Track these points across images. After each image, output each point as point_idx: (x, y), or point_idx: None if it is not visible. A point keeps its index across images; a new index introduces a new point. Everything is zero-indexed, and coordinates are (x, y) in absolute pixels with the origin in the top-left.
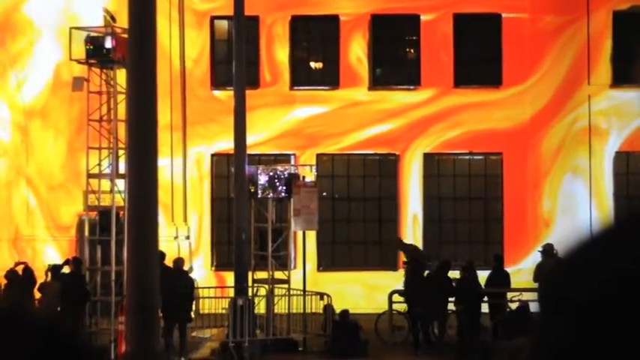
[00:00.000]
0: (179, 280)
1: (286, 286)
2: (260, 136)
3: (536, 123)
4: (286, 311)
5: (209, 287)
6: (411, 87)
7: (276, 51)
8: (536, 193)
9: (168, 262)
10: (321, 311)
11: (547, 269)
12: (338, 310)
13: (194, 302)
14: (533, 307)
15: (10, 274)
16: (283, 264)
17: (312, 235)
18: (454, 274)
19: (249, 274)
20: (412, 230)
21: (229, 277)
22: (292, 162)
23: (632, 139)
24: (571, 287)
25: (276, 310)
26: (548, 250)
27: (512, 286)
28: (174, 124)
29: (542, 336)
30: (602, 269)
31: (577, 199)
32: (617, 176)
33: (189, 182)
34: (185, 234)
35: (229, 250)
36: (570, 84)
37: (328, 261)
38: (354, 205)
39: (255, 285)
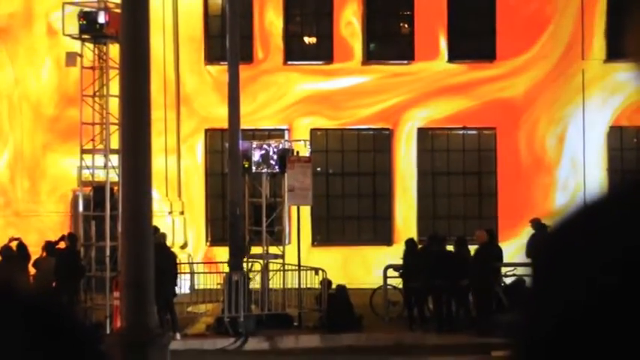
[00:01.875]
0: (161, 255)
1: (281, 261)
2: (254, 111)
3: (529, 98)
4: (281, 286)
5: (204, 262)
6: (405, 61)
7: (270, 25)
8: (530, 168)
9: None
10: (316, 286)
11: (537, 243)
12: (333, 286)
13: (188, 277)
14: (529, 281)
15: (4, 250)
16: (278, 239)
17: (306, 210)
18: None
19: (244, 248)
20: (406, 205)
21: (224, 253)
22: (286, 137)
23: (626, 114)
24: (563, 261)
25: (270, 285)
26: (537, 224)
27: (507, 260)
28: (167, 100)
29: (536, 311)
30: (596, 241)
31: (571, 174)
32: (611, 151)
33: (183, 157)
34: (179, 209)
35: (224, 226)
36: (564, 59)
37: (323, 236)
38: (348, 180)
39: (250, 260)
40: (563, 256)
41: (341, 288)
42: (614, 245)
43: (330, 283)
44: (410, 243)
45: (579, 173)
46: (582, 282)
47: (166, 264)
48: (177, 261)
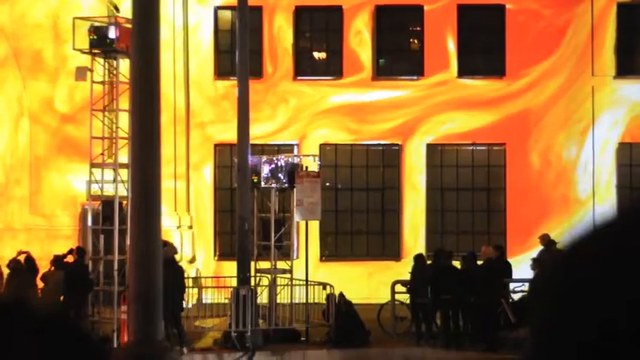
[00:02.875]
0: (170, 270)
1: (289, 275)
2: (263, 126)
3: (539, 114)
4: (289, 301)
5: (212, 277)
6: (415, 77)
7: (280, 41)
8: (539, 184)
9: None
10: (323, 301)
11: (547, 265)
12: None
13: (195, 291)
14: (538, 304)
15: (13, 263)
16: (286, 254)
17: (314, 225)
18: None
19: (252, 263)
20: (415, 221)
21: (232, 267)
22: (295, 152)
23: (635, 131)
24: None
25: (278, 300)
26: (546, 240)
27: (516, 276)
28: (177, 115)
29: (548, 343)
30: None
31: (580, 190)
32: (621, 167)
33: (192, 172)
34: (188, 224)
35: (232, 240)
36: (574, 75)
37: (331, 251)
38: (356, 195)
39: (258, 275)
40: (576, 291)
41: (348, 303)
42: (631, 283)
43: (337, 298)
44: (419, 258)
45: (588, 189)
46: (597, 322)
47: (175, 278)
48: (185, 275)
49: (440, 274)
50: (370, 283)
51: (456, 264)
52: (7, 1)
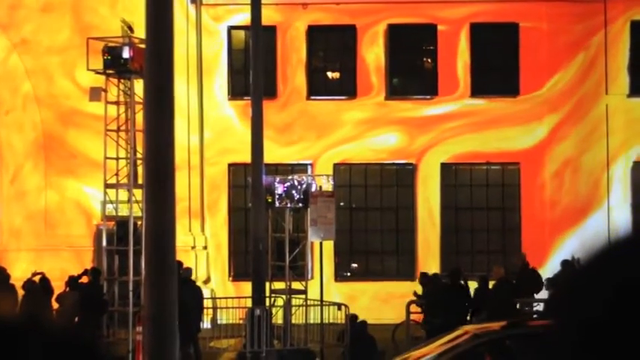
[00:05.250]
0: (187, 290)
1: (303, 296)
2: (277, 145)
3: (553, 132)
4: (303, 321)
5: (226, 297)
6: (428, 97)
7: (293, 61)
8: (553, 202)
9: None
10: (338, 321)
11: (561, 281)
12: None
13: (210, 312)
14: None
15: (28, 284)
16: (300, 274)
17: (329, 245)
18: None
19: (267, 284)
20: (429, 240)
21: (247, 288)
22: (309, 172)
23: None
24: (584, 302)
25: (293, 321)
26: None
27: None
28: (190, 134)
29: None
30: (616, 281)
31: (594, 208)
32: (636, 186)
33: (207, 192)
34: (202, 244)
35: (246, 260)
36: (588, 93)
37: (345, 271)
38: (371, 215)
39: (273, 295)
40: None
41: (362, 323)
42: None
43: (352, 318)
44: (433, 278)
45: (603, 208)
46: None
47: (193, 299)
48: (212, 295)
49: (453, 294)
50: (385, 303)
51: (473, 284)
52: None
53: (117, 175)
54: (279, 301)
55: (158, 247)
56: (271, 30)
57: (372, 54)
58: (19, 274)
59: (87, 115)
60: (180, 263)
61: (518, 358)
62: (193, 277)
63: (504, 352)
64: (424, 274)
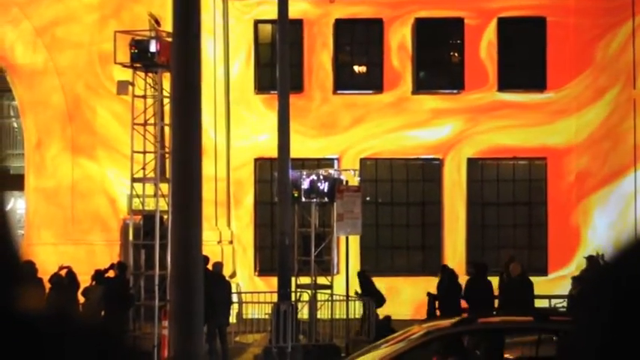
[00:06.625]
0: (218, 284)
1: (329, 291)
2: (303, 140)
3: (580, 127)
4: (329, 317)
5: (252, 292)
6: (455, 91)
7: (320, 55)
8: (580, 198)
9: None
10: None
11: (586, 279)
12: (381, 316)
13: (236, 307)
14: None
15: (54, 278)
16: (326, 269)
17: (355, 240)
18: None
19: (293, 279)
20: (455, 236)
21: (272, 282)
22: (335, 166)
23: None
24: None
25: (318, 316)
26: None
27: (558, 293)
28: (217, 128)
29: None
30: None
31: (622, 204)
32: None
33: (233, 186)
34: (228, 239)
35: (272, 255)
36: (615, 88)
37: (371, 266)
38: (397, 210)
39: (299, 290)
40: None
41: (386, 318)
42: None
43: (385, 318)
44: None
45: (630, 203)
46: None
47: (222, 293)
48: (238, 290)
49: (473, 288)
50: (411, 298)
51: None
52: None
53: (144, 169)
54: (305, 296)
55: (184, 242)
56: (298, 23)
57: (399, 48)
58: (45, 268)
59: (115, 109)
60: (206, 258)
61: (470, 353)
62: None
63: (455, 347)
64: (445, 267)
